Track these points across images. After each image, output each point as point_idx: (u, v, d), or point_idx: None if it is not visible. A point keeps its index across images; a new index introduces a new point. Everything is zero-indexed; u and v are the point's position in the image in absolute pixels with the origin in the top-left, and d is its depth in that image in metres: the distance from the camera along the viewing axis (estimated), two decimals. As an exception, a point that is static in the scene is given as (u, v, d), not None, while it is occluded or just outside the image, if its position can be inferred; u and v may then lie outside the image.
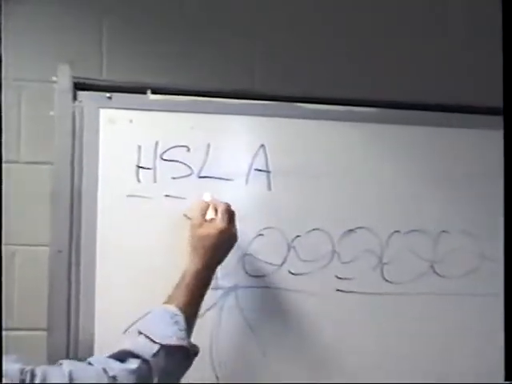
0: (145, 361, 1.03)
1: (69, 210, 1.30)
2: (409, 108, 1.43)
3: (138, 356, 1.03)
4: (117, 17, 1.35)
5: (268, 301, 1.35)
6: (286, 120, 1.39)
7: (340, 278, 1.39)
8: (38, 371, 0.94)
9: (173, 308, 1.11)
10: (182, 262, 1.23)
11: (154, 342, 1.05)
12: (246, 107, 1.37)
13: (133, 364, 1.02)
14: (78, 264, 1.30)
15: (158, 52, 1.35)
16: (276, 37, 1.40)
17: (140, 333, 1.08)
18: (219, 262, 1.23)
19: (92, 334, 1.29)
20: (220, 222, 1.21)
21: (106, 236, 1.31)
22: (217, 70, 1.38)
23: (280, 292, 1.36)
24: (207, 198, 1.29)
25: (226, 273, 1.33)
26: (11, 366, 0.93)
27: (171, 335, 1.07)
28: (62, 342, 1.29)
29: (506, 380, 0.99)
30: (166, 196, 1.33)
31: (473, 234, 1.43)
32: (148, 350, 1.04)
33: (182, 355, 1.08)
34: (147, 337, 1.06)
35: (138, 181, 1.32)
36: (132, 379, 1.00)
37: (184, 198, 1.33)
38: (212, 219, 1.23)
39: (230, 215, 1.23)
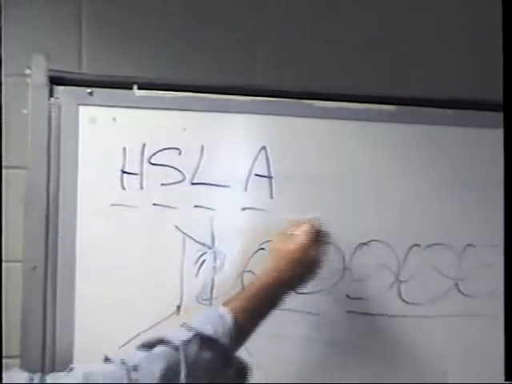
0: (175, 348, 1.00)
1: (44, 221, 1.24)
2: (436, 105, 1.38)
3: (169, 342, 1.01)
4: (98, 2, 1.30)
5: (269, 323, 1.21)
6: (291, 119, 1.34)
7: (351, 298, 1.33)
8: (49, 379, 0.95)
9: (224, 309, 1.08)
10: (171, 279, 1.24)
11: (190, 328, 1.03)
12: (245, 104, 1.32)
13: (160, 350, 1.00)
14: (54, 282, 1.24)
15: (146, 42, 1.31)
16: (280, 24, 1.37)
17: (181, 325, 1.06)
18: (294, 283, 1.18)
19: (70, 362, 1.19)
20: (301, 239, 1.17)
21: (87, 250, 1.25)
22: (212, 61, 1.33)
23: (282, 313, 1.25)
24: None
25: (222, 292, 1.27)
26: (20, 375, 0.95)
27: (210, 328, 1.04)
28: (36, 371, 1.14)
29: (506, 380, 1.00)
30: (155, 205, 1.27)
31: (502, 248, 1.31)
32: (180, 336, 1.02)
33: (219, 354, 1.04)
34: (184, 325, 1.05)
35: (123, 188, 1.27)
36: (158, 366, 0.98)
37: (175, 208, 1.28)
38: (296, 235, 1.19)
39: (317, 234, 1.20)
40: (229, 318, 1.06)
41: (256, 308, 1.11)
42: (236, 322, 1.06)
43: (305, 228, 1.19)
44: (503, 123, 1.09)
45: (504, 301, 1.01)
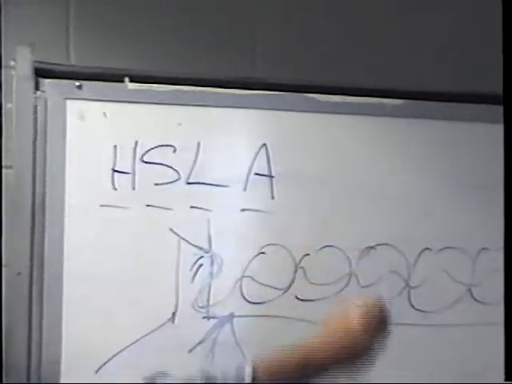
0: None
1: (30, 224, 1.22)
2: (445, 99, 1.36)
3: None
4: None
5: (271, 333, 1.28)
6: (294, 114, 1.32)
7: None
8: None
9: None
10: (166, 285, 1.23)
11: None
12: (244, 98, 1.31)
13: None
14: (40, 288, 1.22)
15: (138, 32, 1.32)
16: (280, 15, 1.38)
17: None
18: (341, 362, 1.13)
19: (58, 374, 1.21)
20: (362, 319, 1.13)
21: (75, 255, 1.23)
22: (209, 53, 1.35)
23: (285, 322, 1.28)
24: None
25: (219, 299, 1.27)
26: None
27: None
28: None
29: (506, 380, 1.00)
30: (148, 206, 1.26)
31: (518, 252, 1.37)
32: None
33: None
34: None
35: (114, 188, 1.25)
36: None
37: (169, 209, 1.26)
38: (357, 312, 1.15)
39: (379, 318, 1.15)
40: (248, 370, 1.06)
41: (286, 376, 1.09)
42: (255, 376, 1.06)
43: (368, 306, 1.15)
44: (503, 117, 1.09)
45: (504, 301, 1.01)
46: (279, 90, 1.31)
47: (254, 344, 1.26)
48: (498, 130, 1.27)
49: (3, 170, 1.21)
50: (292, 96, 1.31)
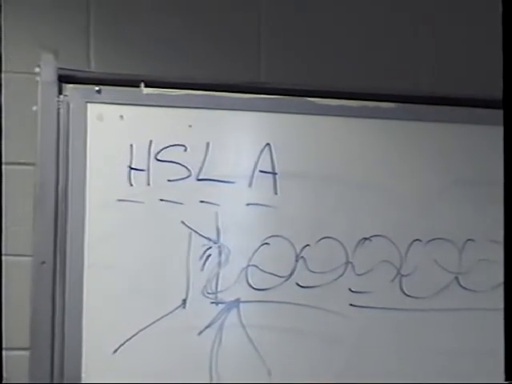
0: None
1: (53, 217, 1.25)
2: (430, 103, 1.39)
3: None
4: (106, 3, 1.33)
5: (274, 317, 1.31)
6: (295, 116, 1.34)
7: (354, 292, 1.34)
8: None
9: None
10: (177, 273, 1.25)
11: None
12: (250, 102, 1.33)
13: None
14: (63, 276, 1.25)
15: (153, 40, 1.34)
16: (284, 22, 1.39)
17: None
18: None
19: (79, 354, 1.24)
20: None
21: (95, 245, 1.26)
22: (218, 60, 1.37)
23: (287, 307, 1.31)
24: None
25: (227, 286, 1.29)
26: None
27: None
28: (45, 362, 1.23)
29: (506, 380, 0.99)
30: (161, 200, 1.28)
31: (501, 243, 1.32)
32: None
33: None
34: None
35: (130, 184, 1.28)
36: None
37: (181, 203, 1.29)
38: None
39: None
40: None
41: None
42: None
43: None
44: (503, 120, 1.08)
45: (504, 299, 0.99)
46: (281, 94, 1.33)
47: (258, 327, 1.29)
48: (488, 131, 1.32)
49: (28, 167, 1.28)
50: (293, 100, 1.33)
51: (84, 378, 1.23)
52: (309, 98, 1.34)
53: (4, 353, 1.22)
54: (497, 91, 1.19)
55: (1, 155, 1.06)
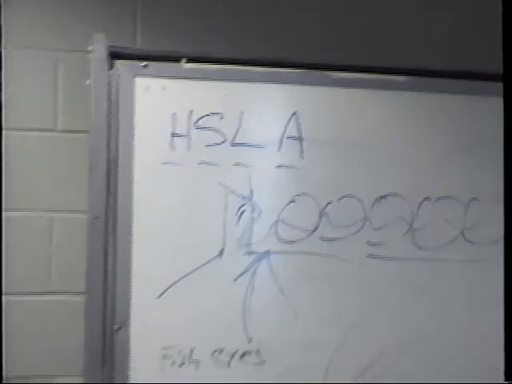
0: None
1: (105, 178, 1.31)
2: (443, 76, 1.43)
3: None
4: None
5: (300, 266, 1.37)
6: (319, 88, 1.39)
7: (371, 244, 1.40)
8: None
9: None
10: (216, 228, 1.30)
11: None
12: (278, 75, 1.38)
13: None
14: (114, 230, 1.32)
15: (193, 20, 1.38)
16: (313, 4, 1.42)
17: None
18: None
19: (128, 299, 1.32)
20: None
21: (142, 203, 1.32)
22: (250, 38, 1.41)
23: (312, 257, 1.37)
24: None
25: (259, 238, 1.36)
26: None
27: None
28: (99, 306, 1.32)
29: (506, 380, 1.00)
30: (200, 163, 1.35)
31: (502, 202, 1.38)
32: None
33: None
34: None
35: (173, 148, 1.34)
36: None
37: (217, 165, 1.35)
38: None
39: None
40: None
41: None
42: None
43: None
44: (503, 92, 1.15)
45: (504, 300, 1.04)
46: (306, 68, 1.38)
47: (286, 274, 1.36)
48: (490, 101, 1.41)
49: (83, 135, 1.32)
50: (316, 73, 1.38)
51: (132, 319, 1.30)
52: (330, 72, 1.39)
53: (63, 297, 1.35)
54: (497, 66, 1.28)
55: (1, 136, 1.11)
